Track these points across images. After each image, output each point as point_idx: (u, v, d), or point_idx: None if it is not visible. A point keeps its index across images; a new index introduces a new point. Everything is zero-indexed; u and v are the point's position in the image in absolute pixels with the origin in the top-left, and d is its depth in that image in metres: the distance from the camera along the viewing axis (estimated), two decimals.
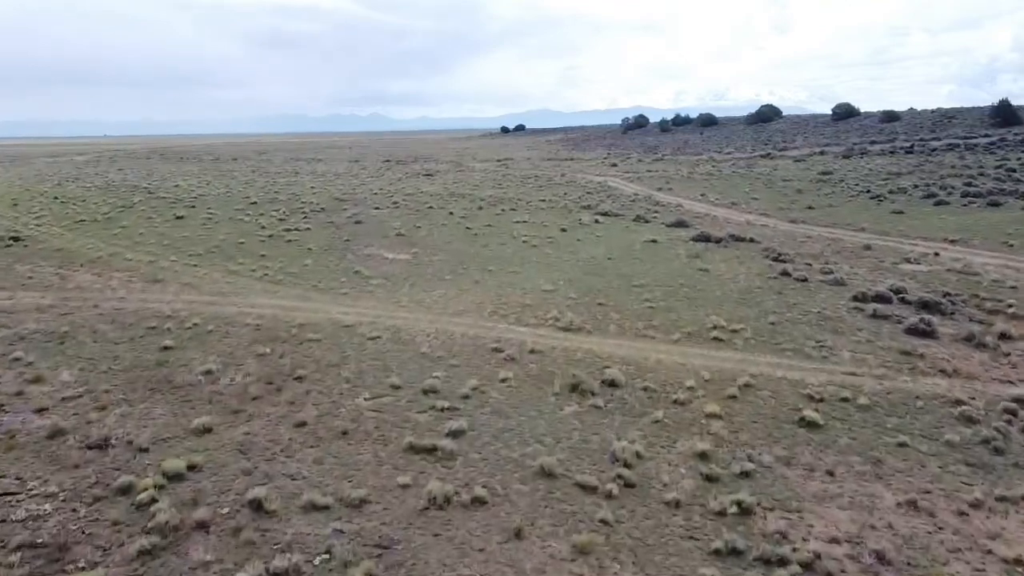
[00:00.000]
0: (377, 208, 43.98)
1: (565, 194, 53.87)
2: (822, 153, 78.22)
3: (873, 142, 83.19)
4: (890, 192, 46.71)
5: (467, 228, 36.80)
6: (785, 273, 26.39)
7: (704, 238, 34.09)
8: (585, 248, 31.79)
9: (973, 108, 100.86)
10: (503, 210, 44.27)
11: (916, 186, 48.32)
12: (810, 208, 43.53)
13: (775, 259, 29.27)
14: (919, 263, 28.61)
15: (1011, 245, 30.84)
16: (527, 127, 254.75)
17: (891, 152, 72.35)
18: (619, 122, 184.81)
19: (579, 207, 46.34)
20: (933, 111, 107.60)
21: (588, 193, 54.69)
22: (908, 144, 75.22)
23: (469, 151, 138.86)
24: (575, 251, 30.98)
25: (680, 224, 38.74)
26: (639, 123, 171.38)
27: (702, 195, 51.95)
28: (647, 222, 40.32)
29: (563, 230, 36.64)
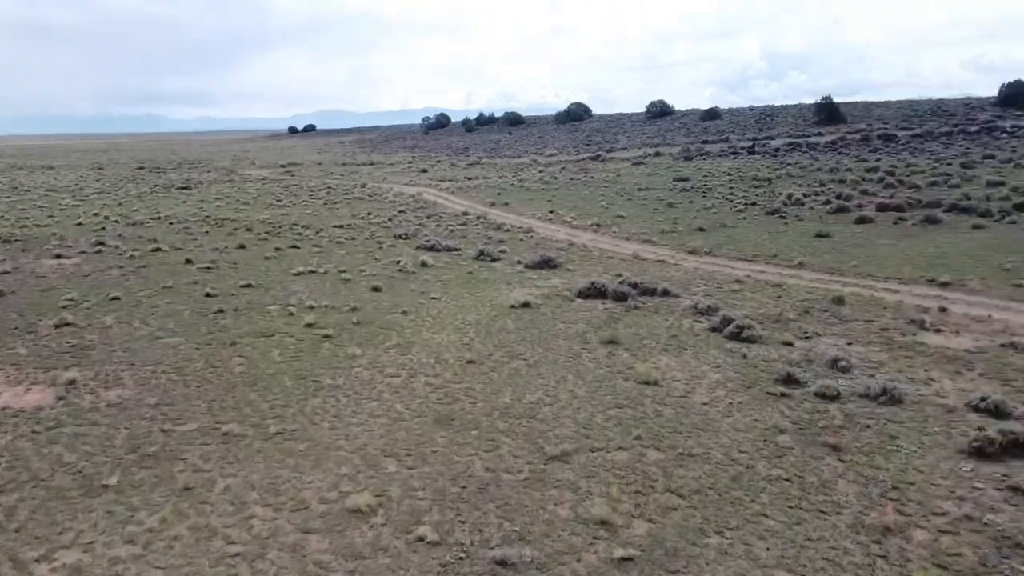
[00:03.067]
0: (61, 256, 27.52)
1: (370, 215, 39.78)
2: (657, 154, 69.87)
3: (705, 141, 76.45)
4: (785, 205, 37.24)
5: (207, 297, 21.76)
6: (790, 380, 14.47)
7: (598, 292, 21.74)
8: (418, 336, 18.14)
9: (790, 106, 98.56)
10: (277, 250, 29.47)
11: (807, 195, 39.42)
12: (701, 230, 32.76)
13: (737, 336, 17.41)
14: (947, 331, 17.97)
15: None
16: (318, 128, 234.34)
17: (732, 153, 65.11)
18: (418, 122, 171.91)
19: (392, 237, 32.57)
20: (752, 108, 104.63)
21: (401, 212, 40.97)
22: (748, 144, 68.59)
23: (249, 155, 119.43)
24: (399, 348, 17.25)
25: (546, 264, 26.22)
26: (441, 123, 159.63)
27: (551, 212, 39.97)
28: (495, 261, 27.44)
29: (375, 289, 22.69)
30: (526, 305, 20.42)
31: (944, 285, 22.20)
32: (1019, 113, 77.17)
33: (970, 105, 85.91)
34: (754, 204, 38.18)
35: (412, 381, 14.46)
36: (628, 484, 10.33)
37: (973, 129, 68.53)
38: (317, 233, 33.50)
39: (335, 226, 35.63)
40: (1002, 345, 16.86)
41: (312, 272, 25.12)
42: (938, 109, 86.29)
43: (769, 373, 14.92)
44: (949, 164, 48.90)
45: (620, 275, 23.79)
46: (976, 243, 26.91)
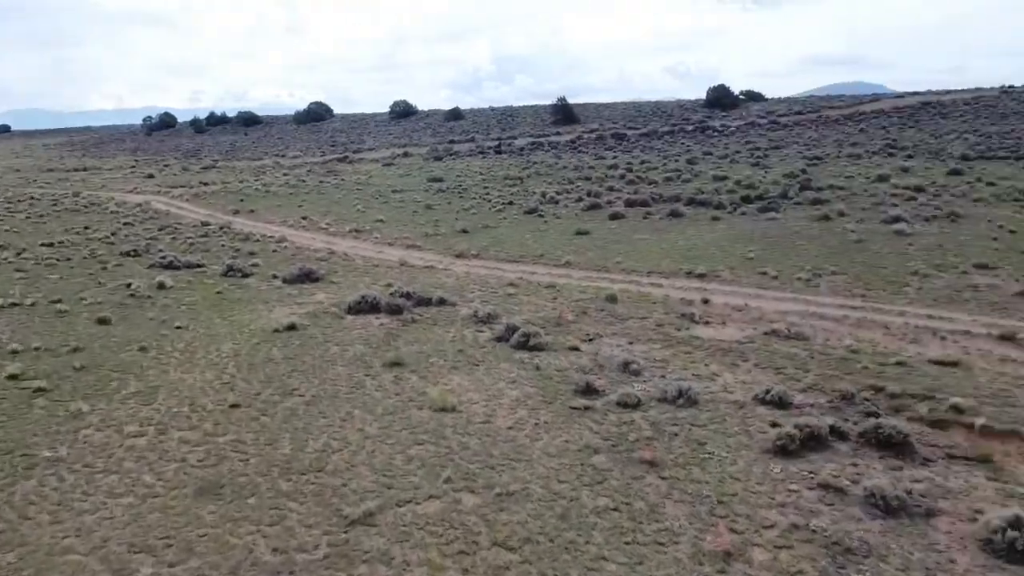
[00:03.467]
0: None
1: (88, 229, 34.25)
2: (406, 155, 68.81)
3: (452, 141, 76.77)
4: (541, 204, 37.80)
5: None
6: (589, 391, 13.86)
7: (370, 306, 19.94)
8: (164, 378, 15.13)
9: (527, 107, 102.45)
10: None
11: (560, 193, 40.45)
12: (464, 232, 32.05)
13: (525, 346, 16.61)
14: (714, 323, 18.66)
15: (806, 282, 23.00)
16: (14, 129, 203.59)
17: (480, 152, 65.90)
18: (139, 123, 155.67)
19: (118, 255, 28.05)
20: (493, 109, 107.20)
21: (127, 224, 35.81)
22: (494, 143, 69.83)
23: None
24: (141, 397, 14.20)
25: (307, 277, 23.85)
26: (166, 123, 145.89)
27: (304, 219, 37.14)
28: (248, 277, 24.50)
29: (102, 322, 18.88)
30: (292, 327, 18.07)
31: (701, 276, 23.32)
32: (724, 114, 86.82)
33: (684, 107, 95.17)
34: (511, 203, 38.38)
35: (162, 440, 11.71)
36: (448, 543, 8.83)
37: (690, 128, 75.72)
38: (19, 255, 27.92)
39: (43, 244, 30.03)
40: (765, 333, 17.71)
41: (14, 305, 20.53)
42: (658, 110, 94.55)
43: (566, 384, 14.20)
44: (677, 160, 53.18)
45: (390, 285, 22.18)
46: (719, 235, 28.89)
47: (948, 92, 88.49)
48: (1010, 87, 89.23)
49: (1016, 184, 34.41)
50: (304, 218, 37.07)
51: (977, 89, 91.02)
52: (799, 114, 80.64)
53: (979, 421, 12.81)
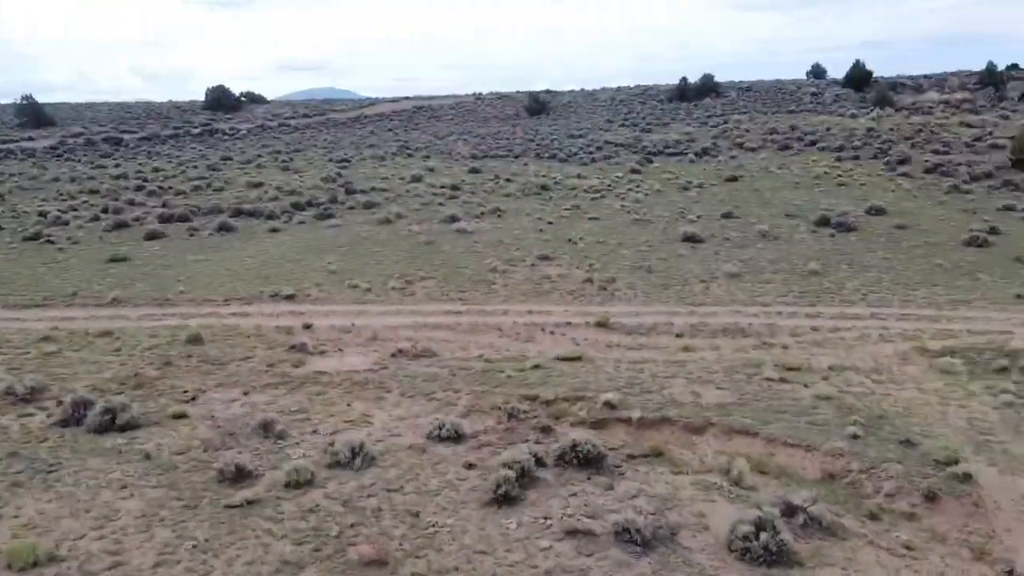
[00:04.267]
0: None
1: None
2: None
3: None
4: (44, 226, 30.13)
5: None
6: (242, 475, 10.60)
7: None
8: None
9: None
10: None
11: (65, 211, 32.89)
12: None
13: (111, 426, 12.30)
14: (331, 351, 16.57)
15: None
16: None
17: None
18: None
19: None
20: None
21: None
22: None
23: None
24: None
25: None
26: None
27: None
28: None
29: None
30: None
31: (290, 298, 20.71)
32: (228, 116, 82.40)
33: (182, 108, 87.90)
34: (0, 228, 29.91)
35: None
36: None
37: (196, 131, 69.87)
38: None
39: None
40: (392, 355, 16.22)
41: None
42: (152, 111, 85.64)
43: (201, 473, 10.69)
44: (196, 167, 48.16)
45: None
46: (286, 248, 26.33)
47: (434, 97, 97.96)
48: (479, 95, 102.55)
49: (533, 180, 38.82)
50: None
51: (454, 96, 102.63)
52: (307, 116, 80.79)
53: (635, 415, 13.20)
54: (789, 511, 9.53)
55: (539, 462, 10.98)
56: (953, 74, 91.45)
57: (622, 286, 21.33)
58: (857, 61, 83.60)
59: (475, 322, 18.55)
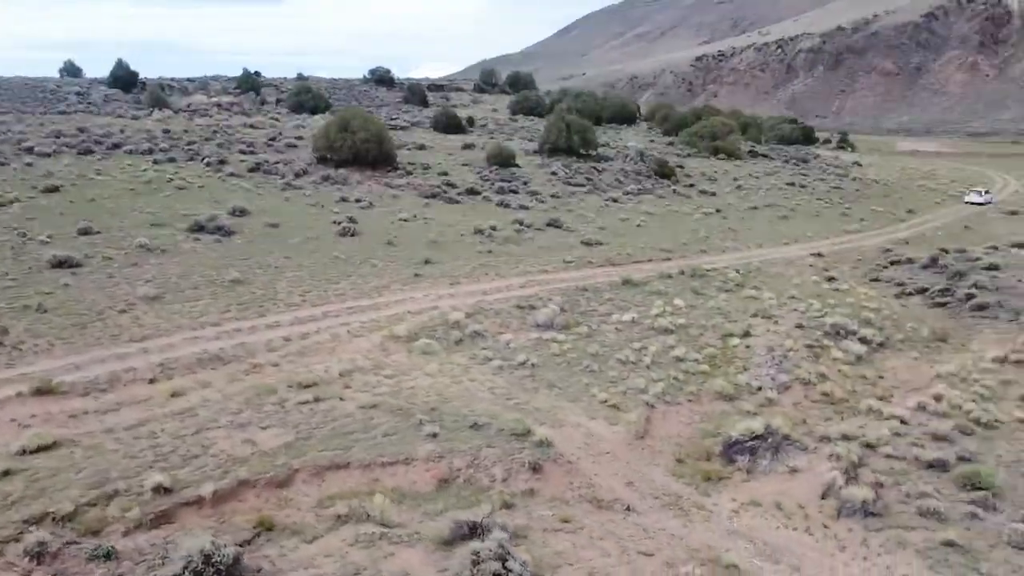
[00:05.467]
0: None
1: None
2: None
3: None
4: None
5: None
6: None
7: None
8: None
9: None
10: None
11: None
12: None
13: None
14: None
15: None
16: None
17: None
18: None
19: None
20: None
21: None
22: None
23: None
24: None
25: None
26: None
27: None
28: None
29: None
30: None
31: None
32: None
33: None
34: None
35: None
36: None
37: None
38: None
39: None
40: None
41: None
42: None
43: None
44: None
45: None
46: None
47: None
48: None
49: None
50: None
51: None
52: None
53: (206, 490, 10.44)
54: (480, 531, 8.93)
55: None
56: (212, 79, 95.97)
57: (22, 336, 16.10)
58: (120, 61, 79.89)
59: None
